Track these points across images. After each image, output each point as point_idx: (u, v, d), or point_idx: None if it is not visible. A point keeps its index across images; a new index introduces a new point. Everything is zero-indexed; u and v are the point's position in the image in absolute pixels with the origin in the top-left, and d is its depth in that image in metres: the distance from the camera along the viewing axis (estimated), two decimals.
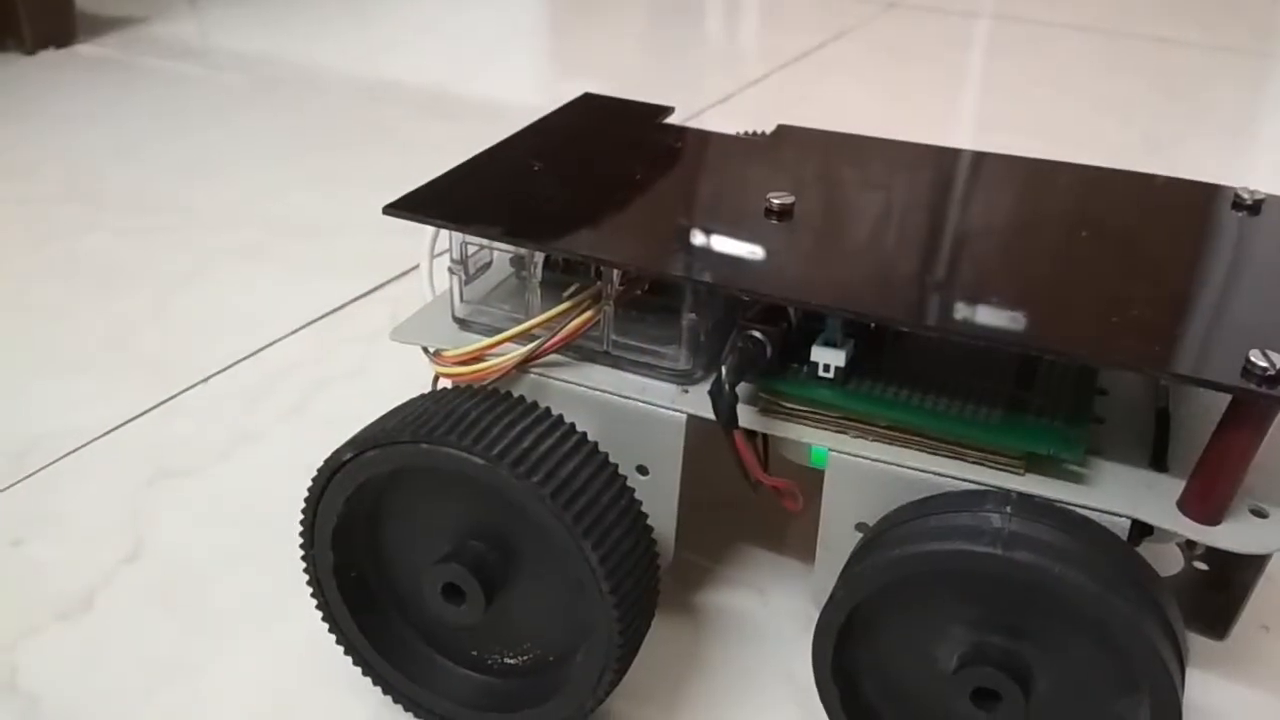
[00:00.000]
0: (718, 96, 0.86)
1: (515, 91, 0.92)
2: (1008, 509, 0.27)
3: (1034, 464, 0.29)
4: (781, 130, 0.41)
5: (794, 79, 0.93)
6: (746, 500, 0.35)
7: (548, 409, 0.30)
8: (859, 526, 0.31)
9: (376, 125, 0.80)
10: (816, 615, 0.29)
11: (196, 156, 0.74)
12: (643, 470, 0.33)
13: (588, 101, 0.43)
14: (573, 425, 0.29)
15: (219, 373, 0.49)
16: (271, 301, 0.55)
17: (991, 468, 0.29)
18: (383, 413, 0.30)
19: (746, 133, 0.43)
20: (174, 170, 0.72)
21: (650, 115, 0.41)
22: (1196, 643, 0.33)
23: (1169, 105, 0.87)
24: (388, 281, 0.56)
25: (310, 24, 1.08)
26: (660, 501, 0.33)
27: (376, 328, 0.52)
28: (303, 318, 0.53)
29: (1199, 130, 0.82)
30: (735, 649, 0.35)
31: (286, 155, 0.75)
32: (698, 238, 0.33)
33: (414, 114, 0.82)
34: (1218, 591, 0.33)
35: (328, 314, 0.54)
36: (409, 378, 0.35)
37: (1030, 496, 0.28)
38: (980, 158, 0.39)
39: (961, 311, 0.29)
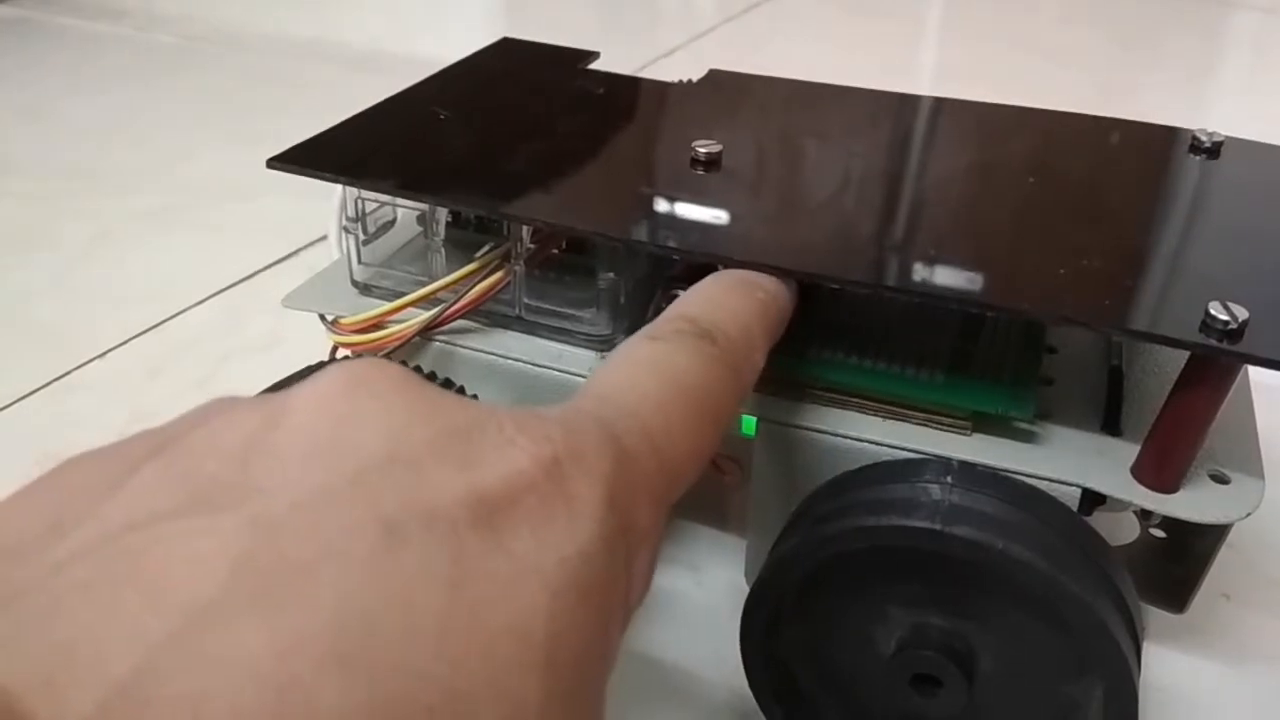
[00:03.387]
0: (666, 48, 0.83)
1: (457, 47, 0.88)
2: (948, 479, 0.25)
3: (981, 425, 0.27)
4: (713, 75, 0.38)
5: (745, 30, 0.89)
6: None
7: (447, 380, 0.27)
8: (792, 499, 0.28)
9: (307, 84, 0.76)
10: (749, 590, 0.26)
11: (109, 118, 0.70)
12: None
13: (505, 46, 0.40)
14: (474, 398, 0.27)
15: (119, 346, 0.45)
16: (180, 269, 0.51)
17: (935, 429, 0.27)
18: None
19: (682, 81, 0.40)
20: (83, 133, 0.68)
21: (572, 61, 0.38)
22: (1154, 614, 0.31)
23: (1127, 54, 0.84)
24: (305, 246, 0.53)
25: None
26: None
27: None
28: (212, 286, 0.50)
29: (1158, 79, 0.80)
30: (667, 631, 0.33)
31: (206, 116, 0.71)
32: (615, 190, 0.30)
33: (348, 72, 0.78)
34: (1176, 561, 0.31)
35: (239, 281, 0.50)
36: (321, 348, 0.32)
37: (972, 465, 0.25)
38: (923, 102, 0.36)
39: (899, 266, 0.26)
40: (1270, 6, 0.96)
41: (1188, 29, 0.92)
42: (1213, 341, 0.23)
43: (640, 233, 0.28)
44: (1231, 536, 0.28)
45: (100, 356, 0.45)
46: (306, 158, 0.30)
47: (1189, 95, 0.78)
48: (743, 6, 0.94)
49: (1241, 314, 0.23)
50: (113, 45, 0.84)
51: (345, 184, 0.30)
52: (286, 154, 0.30)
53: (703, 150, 0.31)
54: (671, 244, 0.27)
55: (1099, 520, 0.27)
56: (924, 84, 0.80)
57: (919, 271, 0.26)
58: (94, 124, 0.69)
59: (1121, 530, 0.32)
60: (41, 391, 0.43)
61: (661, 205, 0.29)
